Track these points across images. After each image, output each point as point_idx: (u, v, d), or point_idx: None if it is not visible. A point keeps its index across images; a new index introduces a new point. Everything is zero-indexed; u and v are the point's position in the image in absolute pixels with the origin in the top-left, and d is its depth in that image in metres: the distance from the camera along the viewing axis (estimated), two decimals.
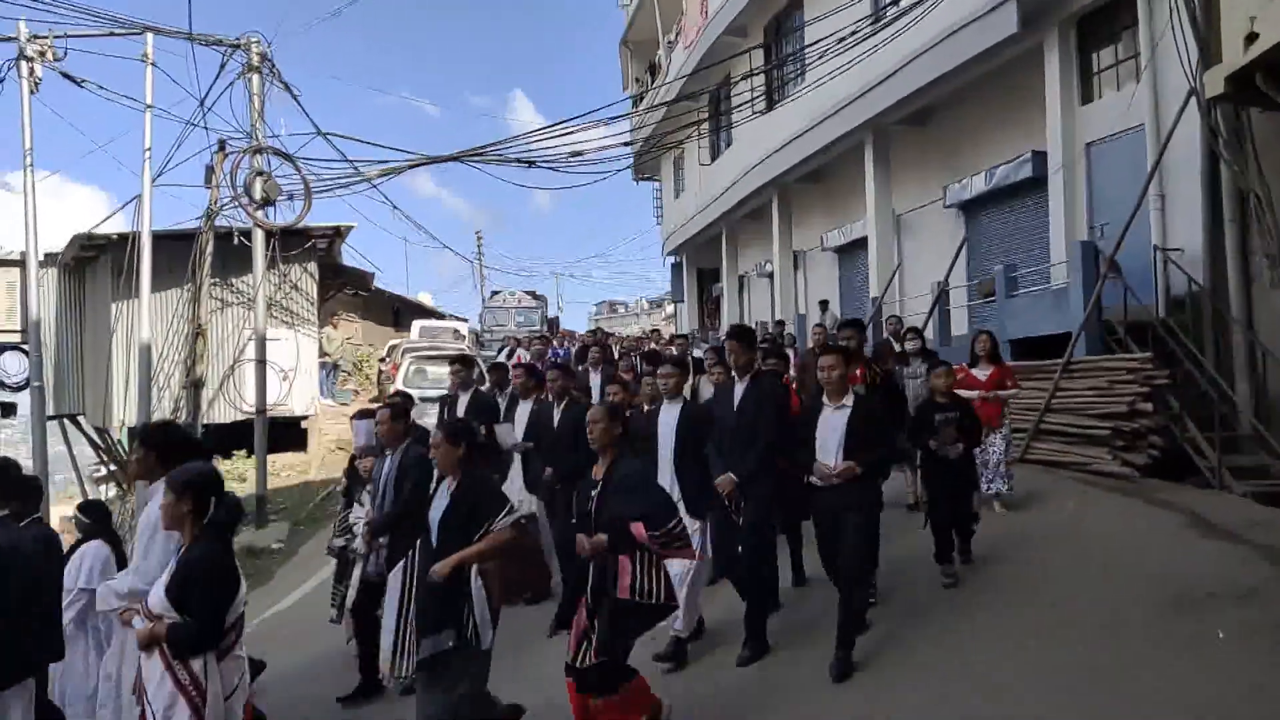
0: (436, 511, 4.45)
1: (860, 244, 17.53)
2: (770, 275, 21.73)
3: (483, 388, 8.71)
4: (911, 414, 6.75)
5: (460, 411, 7.67)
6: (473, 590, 4.24)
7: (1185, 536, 6.39)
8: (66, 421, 19.23)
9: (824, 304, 17.65)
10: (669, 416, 5.65)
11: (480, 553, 4.28)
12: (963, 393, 6.99)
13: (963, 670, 4.73)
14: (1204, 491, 7.93)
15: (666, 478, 5.50)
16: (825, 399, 5.10)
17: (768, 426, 5.31)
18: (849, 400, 5.05)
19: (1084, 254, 10.01)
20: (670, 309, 39.63)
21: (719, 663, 5.38)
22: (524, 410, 7.54)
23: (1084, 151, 11.74)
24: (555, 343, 17.07)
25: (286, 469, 16.75)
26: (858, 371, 6.08)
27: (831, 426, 5.01)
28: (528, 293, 32.26)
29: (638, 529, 4.21)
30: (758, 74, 17.50)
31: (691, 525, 5.47)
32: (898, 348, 8.83)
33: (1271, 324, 8.97)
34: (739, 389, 5.53)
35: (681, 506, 5.37)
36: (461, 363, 8.26)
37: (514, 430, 7.41)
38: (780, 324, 16.83)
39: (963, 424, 6.15)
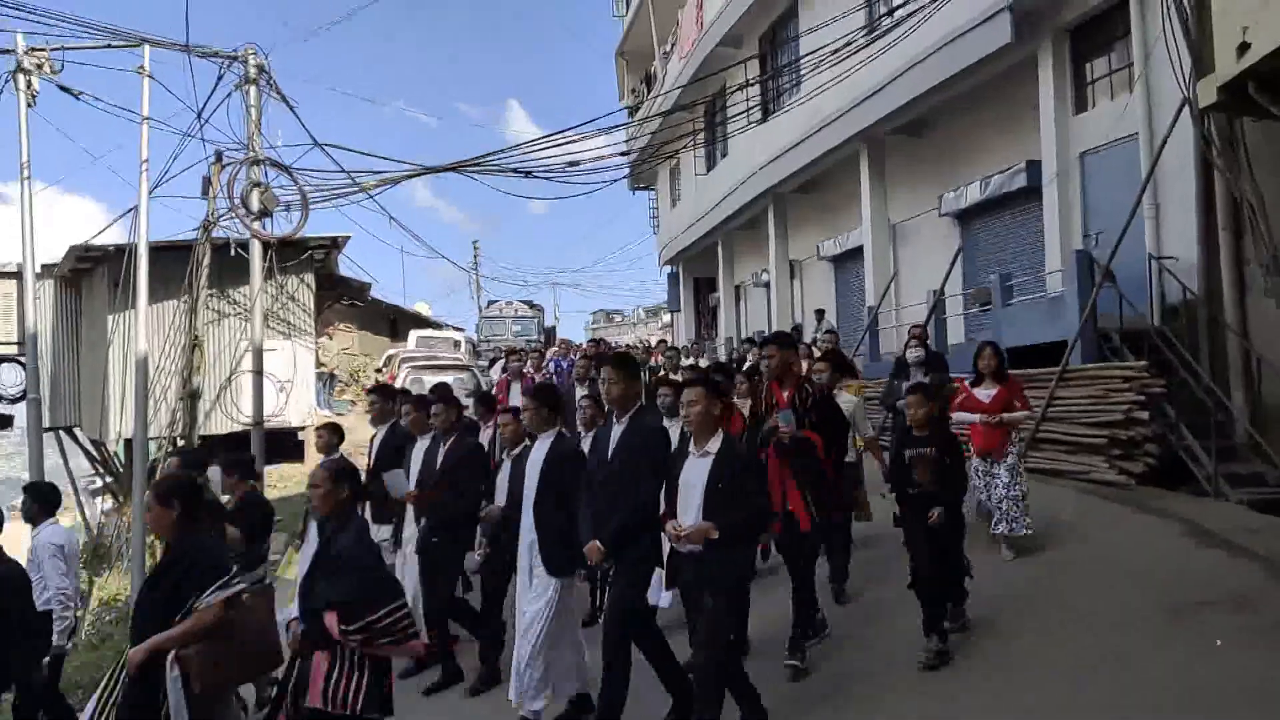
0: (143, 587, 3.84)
1: (856, 253, 17.57)
2: (767, 285, 21.75)
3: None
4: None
5: (374, 447, 6.99)
6: (168, 683, 3.51)
7: (1182, 545, 6.40)
8: (63, 434, 19.16)
9: (820, 313, 17.67)
10: (537, 454, 5.03)
11: (179, 636, 3.56)
12: (963, 416, 6.47)
13: (959, 678, 4.73)
14: (1200, 500, 7.94)
15: (527, 524, 4.99)
16: (691, 443, 4.32)
17: (642, 479, 4.45)
18: (715, 445, 4.22)
19: (1079, 262, 10.04)
20: (667, 318, 39.65)
21: None
22: (419, 450, 6.39)
23: (1078, 161, 11.78)
24: (556, 352, 16.74)
25: (283, 480, 16.72)
26: (786, 394, 5.31)
27: (694, 477, 4.19)
28: (524, 302, 32.37)
29: (329, 620, 3.48)
30: (753, 84, 17.55)
31: (546, 583, 4.86)
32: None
33: (1266, 332, 8.99)
34: (617, 430, 4.68)
35: (540, 559, 4.87)
36: (379, 393, 7.33)
37: (404, 477, 6.22)
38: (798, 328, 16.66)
39: (940, 462, 5.11)
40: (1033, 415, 7.01)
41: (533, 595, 4.93)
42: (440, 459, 6.14)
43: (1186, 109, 9.17)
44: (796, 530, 5.06)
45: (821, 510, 5.08)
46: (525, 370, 11.38)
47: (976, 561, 5.66)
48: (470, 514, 6.03)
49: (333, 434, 7.02)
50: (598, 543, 4.44)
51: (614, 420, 4.75)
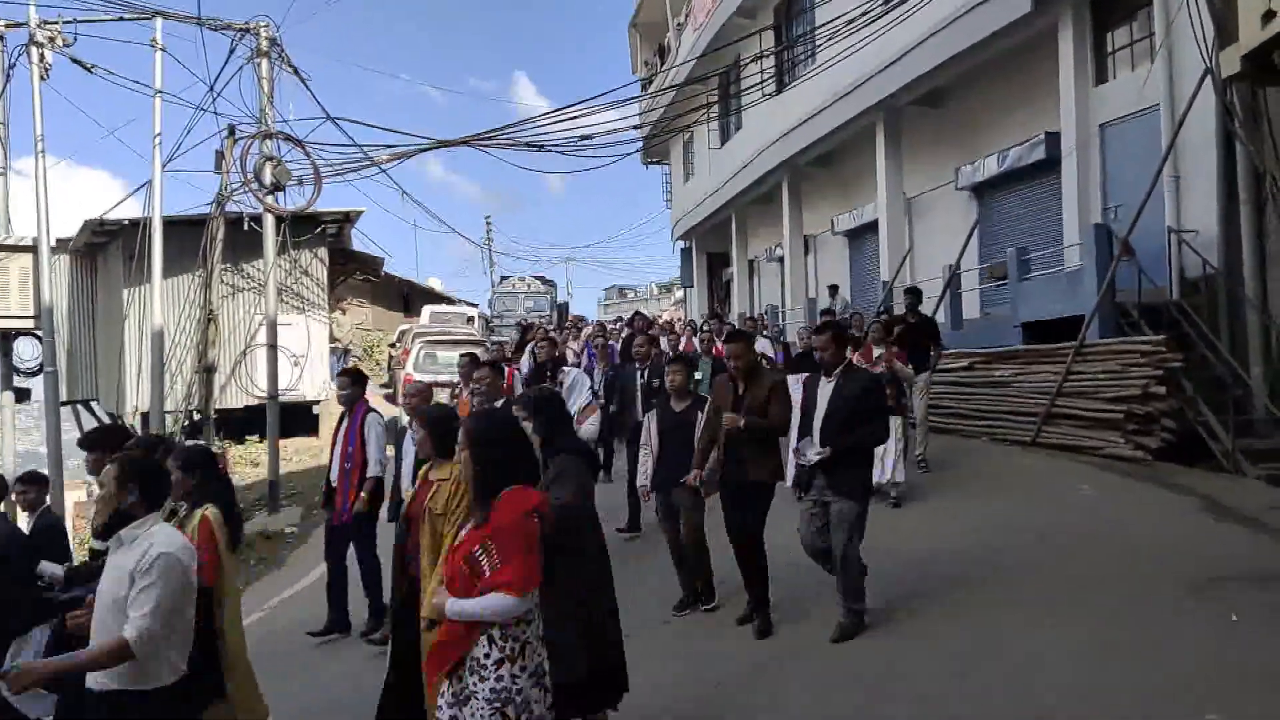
0: None
1: (871, 227, 17.45)
2: (780, 260, 21.65)
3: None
4: None
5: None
6: None
7: (1199, 520, 6.37)
8: (79, 407, 19.33)
9: (834, 288, 17.57)
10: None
11: None
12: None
13: (978, 645, 4.73)
14: (1218, 475, 7.90)
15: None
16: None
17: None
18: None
19: (1097, 236, 9.94)
20: (680, 294, 39.55)
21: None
22: None
23: (1098, 132, 11.63)
24: (588, 333, 14.98)
25: (298, 454, 16.84)
26: None
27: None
28: (537, 277, 32.38)
29: None
30: (768, 56, 17.37)
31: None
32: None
33: None
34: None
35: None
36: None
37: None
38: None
39: None
40: (523, 601, 2.83)
41: None
42: None
43: (1209, 79, 9.03)
44: None
45: None
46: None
47: None
48: None
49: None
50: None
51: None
